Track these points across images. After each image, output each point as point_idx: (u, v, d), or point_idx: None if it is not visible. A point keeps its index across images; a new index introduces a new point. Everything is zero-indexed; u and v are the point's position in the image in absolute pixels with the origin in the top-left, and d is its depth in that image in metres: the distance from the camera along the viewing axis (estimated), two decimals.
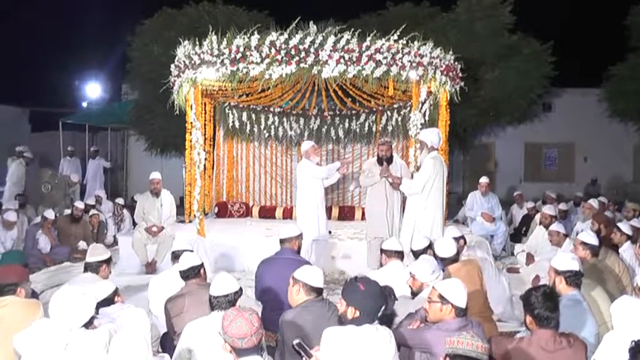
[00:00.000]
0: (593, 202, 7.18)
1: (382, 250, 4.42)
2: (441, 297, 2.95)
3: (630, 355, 2.40)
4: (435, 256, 4.10)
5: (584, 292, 3.49)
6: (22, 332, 2.45)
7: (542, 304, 2.86)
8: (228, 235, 7.32)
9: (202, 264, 3.80)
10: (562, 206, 8.50)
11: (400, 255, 4.35)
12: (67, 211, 8.49)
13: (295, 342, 2.58)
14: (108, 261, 4.21)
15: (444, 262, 4.05)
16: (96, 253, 4.20)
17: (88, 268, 4.13)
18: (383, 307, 2.72)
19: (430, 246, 4.67)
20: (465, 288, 2.98)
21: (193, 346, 2.89)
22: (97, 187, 11.57)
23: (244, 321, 2.33)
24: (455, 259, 4.10)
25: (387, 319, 3.21)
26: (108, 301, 3.32)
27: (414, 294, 3.63)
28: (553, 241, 5.88)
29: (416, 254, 4.55)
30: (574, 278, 3.40)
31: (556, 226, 6.02)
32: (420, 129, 6.38)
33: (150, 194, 7.18)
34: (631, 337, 2.46)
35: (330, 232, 6.77)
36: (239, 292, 3.07)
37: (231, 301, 2.99)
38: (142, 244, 6.90)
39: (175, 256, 4.25)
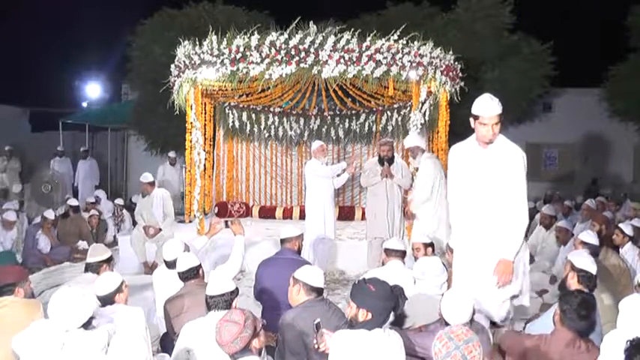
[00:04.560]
0: (590, 203, 7.17)
1: (385, 249, 4.44)
2: (440, 314, 2.98)
3: (625, 356, 2.36)
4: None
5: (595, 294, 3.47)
6: (21, 333, 2.45)
7: (576, 306, 2.86)
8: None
9: (200, 264, 3.79)
10: (566, 202, 8.58)
11: (402, 254, 4.36)
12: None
13: (315, 321, 2.63)
14: (108, 260, 4.20)
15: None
16: (96, 253, 4.19)
17: (89, 268, 4.13)
18: (393, 308, 2.71)
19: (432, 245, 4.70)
20: (470, 303, 2.94)
21: (191, 347, 2.89)
22: (89, 188, 11.47)
23: (229, 323, 2.37)
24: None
25: (398, 321, 3.20)
26: (111, 298, 3.30)
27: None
28: (560, 238, 5.87)
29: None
30: (586, 279, 3.43)
31: (564, 224, 6.00)
32: (420, 129, 6.38)
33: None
34: (631, 336, 2.43)
35: None
36: (235, 292, 3.04)
37: (227, 300, 2.95)
38: (140, 242, 6.98)
39: (167, 264, 4.16)
